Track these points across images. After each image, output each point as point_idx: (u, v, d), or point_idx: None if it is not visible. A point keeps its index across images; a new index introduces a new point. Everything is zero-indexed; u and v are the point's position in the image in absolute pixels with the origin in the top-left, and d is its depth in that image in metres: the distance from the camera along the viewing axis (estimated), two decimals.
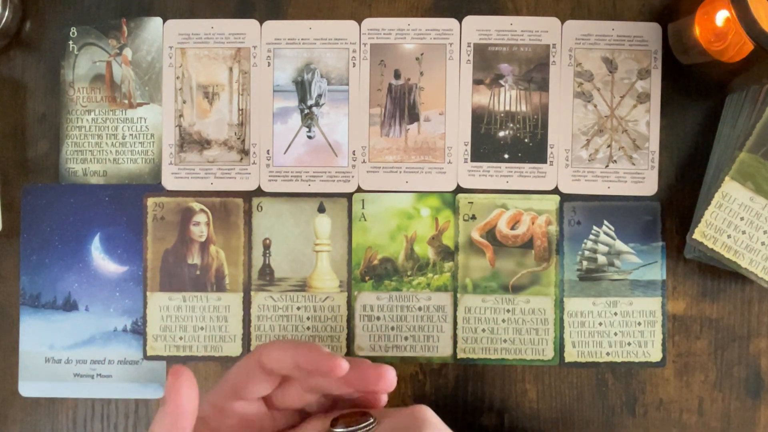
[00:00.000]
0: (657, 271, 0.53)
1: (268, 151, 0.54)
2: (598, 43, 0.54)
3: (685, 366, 0.53)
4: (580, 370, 0.54)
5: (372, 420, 0.37)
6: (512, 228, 0.54)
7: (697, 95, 0.54)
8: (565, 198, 0.54)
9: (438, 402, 0.54)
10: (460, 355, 0.54)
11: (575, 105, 0.54)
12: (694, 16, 0.49)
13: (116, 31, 0.55)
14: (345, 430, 0.36)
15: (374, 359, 0.54)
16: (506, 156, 0.54)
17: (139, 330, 0.54)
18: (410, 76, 0.54)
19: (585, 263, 0.54)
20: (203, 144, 0.55)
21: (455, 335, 0.54)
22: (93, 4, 0.55)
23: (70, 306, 0.54)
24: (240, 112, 0.55)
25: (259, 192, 0.54)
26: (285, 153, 0.55)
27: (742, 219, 0.49)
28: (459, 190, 0.54)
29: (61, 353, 0.54)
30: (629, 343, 0.53)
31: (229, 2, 0.55)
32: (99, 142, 0.55)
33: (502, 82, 0.54)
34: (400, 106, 0.54)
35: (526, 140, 0.54)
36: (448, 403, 0.54)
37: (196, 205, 0.55)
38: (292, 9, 0.54)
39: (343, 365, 0.36)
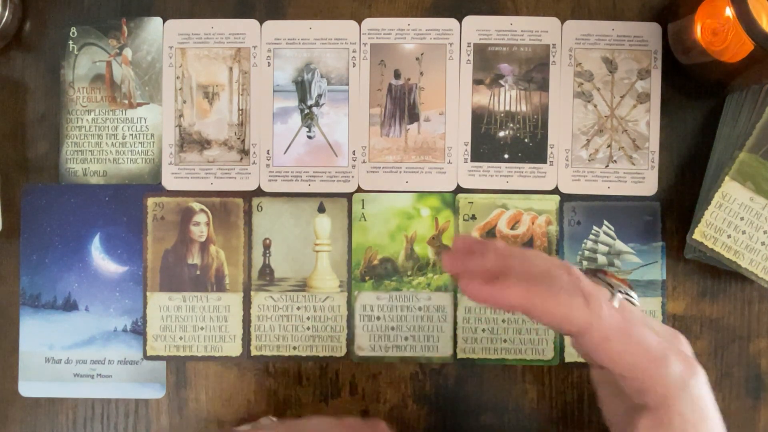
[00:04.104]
0: (657, 271, 0.53)
1: (268, 151, 0.54)
2: (598, 43, 0.54)
3: None
4: (580, 370, 0.54)
5: None
6: (512, 228, 0.54)
7: (697, 95, 0.54)
8: (565, 198, 0.54)
9: (438, 402, 0.54)
10: (460, 355, 0.54)
11: (575, 105, 0.54)
12: (694, 16, 0.49)
13: (116, 31, 0.55)
14: None
15: (374, 359, 0.54)
16: (506, 156, 0.54)
17: (139, 330, 0.54)
18: (410, 76, 0.54)
19: (585, 263, 0.54)
20: (203, 144, 0.55)
21: (455, 335, 0.54)
22: (93, 4, 0.55)
23: (70, 306, 0.54)
24: (240, 112, 0.55)
25: (259, 192, 0.54)
26: (285, 153, 0.55)
27: (742, 219, 0.49)
28: (459, 190, 0.54)
29: (61, 353, 0.54)
30: None
31: (229, 2, 0.55)
32: (99, 142, 0.55)
33: (502, 82, 0.54)
34: (400, 106, 0.54)
35: (526, 140, 0.54)
36: (448, 403, 0.54)
37: (196, 205, 0.54)
38: (292, 9, 0.54)
39: None
